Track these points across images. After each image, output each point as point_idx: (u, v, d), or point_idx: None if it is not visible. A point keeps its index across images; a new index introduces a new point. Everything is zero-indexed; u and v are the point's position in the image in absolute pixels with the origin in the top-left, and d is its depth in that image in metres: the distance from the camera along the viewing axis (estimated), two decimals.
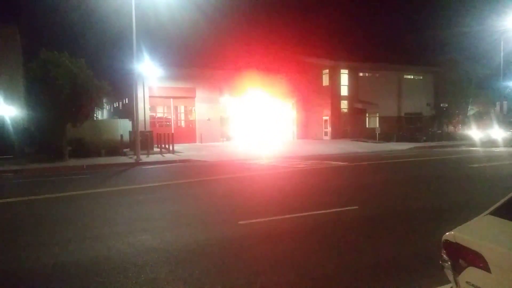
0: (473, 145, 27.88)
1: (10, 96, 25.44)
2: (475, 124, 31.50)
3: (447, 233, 3.30)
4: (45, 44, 19.09)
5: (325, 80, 38.17)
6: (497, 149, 23.91)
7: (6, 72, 26.04)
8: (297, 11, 71.92)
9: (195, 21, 34.85)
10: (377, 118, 38.69)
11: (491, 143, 26.42)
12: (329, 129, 37.75)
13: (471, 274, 3.03)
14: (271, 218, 7.48)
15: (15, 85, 25.88)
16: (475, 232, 3.21)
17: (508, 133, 27.60)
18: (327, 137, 37.54)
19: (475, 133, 29.76)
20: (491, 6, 30.71)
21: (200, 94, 35.56)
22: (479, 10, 31.89)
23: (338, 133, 36.62)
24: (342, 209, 8.16)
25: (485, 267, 2.90)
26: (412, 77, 41.41)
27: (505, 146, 25.65)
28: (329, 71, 37.52)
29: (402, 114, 40.06)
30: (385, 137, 33.02)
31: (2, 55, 26.35)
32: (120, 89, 32.93)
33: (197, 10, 32.10)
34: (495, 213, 3.48)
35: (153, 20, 26.45)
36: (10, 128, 23.08)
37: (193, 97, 35.72)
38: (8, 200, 10.18)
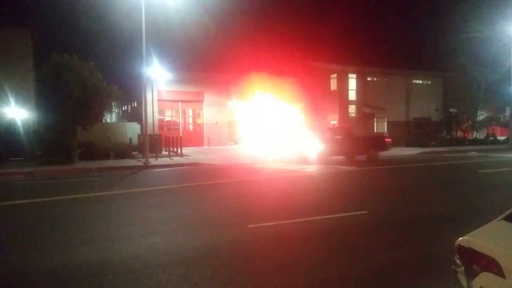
0: (482, 150, 27.67)
1: (21, 99, 25.75)
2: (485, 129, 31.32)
3: (460, 238, 3.31)
4: (55, 47, 19.33)
5: (333, 85, 38.14)
6: (507, 155, 23.69)
7: (18, 74, 26.36)
8: (305, 15, 71.99)
9: (204, 25, 35.05)
10: (385, 122, 38.55)
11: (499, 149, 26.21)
12: None
13: (485, 279, 3.04)
14: (280, 222, 7.49)
15: (26, 88, 26.24)
16: (488, 238, 3.22)
17: None
18: None
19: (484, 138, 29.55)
20: (500, 11, 30.48)
21: (208, 98, 35.73)
22: (488, 15, 31.66)
23: None
24: (351, 213, 8.16)
25: (499, 273, 2.91)
26: (420, 81, 41.21)
27: None
28: (337, 75, 37.49)
29: (411, 119, 39.86)
30: (393, 142, 32.86)
31: (14, 58, 26.73)
32: (129, 92, 33.19)
33: (206, 14, 32.32)
34: (509, 218, 3.48)
35: (162, 24, 26.65)
36: (21, 130, 23.34)
37: (201, 101, 35.91)
38: (21, 201, 10.28)
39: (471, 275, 3.16)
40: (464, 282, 3.24)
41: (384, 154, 22.98)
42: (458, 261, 3.29)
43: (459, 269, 3.28)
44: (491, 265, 2.97)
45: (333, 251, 5.91)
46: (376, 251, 5.86)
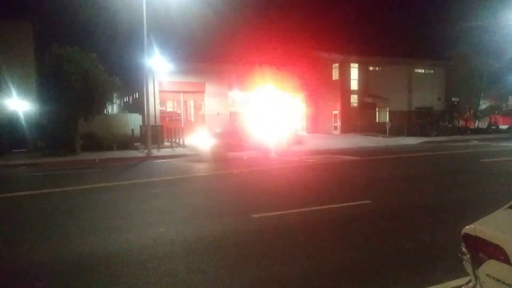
0: (484, 139, 27.65)
1: (23, 91, 25.72)
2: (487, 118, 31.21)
3: (466, 227, 3.33)
4: (57, 39, 19.24)
5: (335, 74, 38.00)
6: (509, 144, 23.67)
7: (19, 66, 26.33)
8: (307, 5, 71.54)
9: (206, 15, 34.83)
10: (387, 112, 38.45)
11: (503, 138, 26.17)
12: (339, 124, 37.62)
13: (491, 267, 3.07)
14: (285, 212, 7.54)
15: (27, 80, 26.21)
16: (495, 226, 3.24)
17: None
18: (337, 132, 37.43)
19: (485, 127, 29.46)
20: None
21: (210, 88, 35.63)
22: (491, 4, 31.42)
23: (348, 128, 36.48)
24: (355, 203, 8.20)
25: (506, 260, 2.94)
26: (422, 71, 41.02)
27: None
28: (339, 65, 37.33)
29: (413, 109, 39.75)
30: (396, 132, 32.82)
31: (15, 50, 26.66)
32: (130, 84, 33.11)
33: (207, 4, 32.09)
34: None
35: (163, 14, 26.49)
36: (23, 122, 23.39)
37: (202, 92, 35.81)
38: (24, 193, 10.36)
39: (477, 263, 3.19)
40: (470, 270, 3.28)
41: (387, 143, 22.94)
42: (464, 249, 3.32)
43: (465, 257, 3.31)
44: (498, 253, 3.00)
45: (338, 239, 5.96)
46: (383, 239, 5.90)
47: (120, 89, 22.70)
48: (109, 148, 22.33)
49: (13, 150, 21.51)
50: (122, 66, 35.82)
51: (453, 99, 39.57)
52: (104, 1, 24.13)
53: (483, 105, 42.69)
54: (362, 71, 37.52)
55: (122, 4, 21.03)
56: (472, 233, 3.23)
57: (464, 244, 3.33)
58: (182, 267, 4.91)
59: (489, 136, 32.05)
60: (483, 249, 3.14)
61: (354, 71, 37.50)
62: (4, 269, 5.12)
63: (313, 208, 7.80)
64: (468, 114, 40.31)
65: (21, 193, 10.28)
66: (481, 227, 3.22)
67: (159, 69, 30.12)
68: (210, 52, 37.76)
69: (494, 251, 3.04)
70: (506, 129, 37.33)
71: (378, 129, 34.70)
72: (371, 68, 38.31)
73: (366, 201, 8.32)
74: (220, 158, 17.09)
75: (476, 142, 26.10)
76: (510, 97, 34.24)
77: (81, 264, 5.12)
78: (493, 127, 37.58)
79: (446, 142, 27.43)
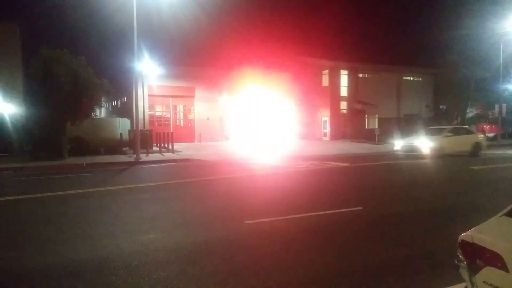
0: None
1: (9, 93, 25.36)
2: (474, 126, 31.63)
3: (463, 234, 3.33)
4: (45, 42, 19.03)
5: (325, 81, 38.27)
6: (497, 152, 23.99)
7: (6, 69, 25.96)
8: (297, 11, 71.96)
9: (195, 20, 34.82)
10: (376, 119, 38.78)
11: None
12: (328, 130, 37.83)
13: (488, 274, 3.06)
14: (276, 218, 7.50)
15: (14, 82, 25.85)
16: (492, 233, 3.25)
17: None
18: (326, 138, 37.62)
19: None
20: (491, 8, 30.79)
21: (200, 93, 35.56)
22: (479, 13, 31.95)
23: (337, 134, 36.70)
24: (347, 209, 8.19)
25: (504, 267, 2.94)
26: (411, 78, 41.55)
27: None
28: (329, 71, 37.61)
29: (401, 116, 40.16)
30: (384, 138, 33.08)
31: (2, 52, 26.30)
32: (119, 87, 32.87)
33: (197, 9, 32.07)
34: (510, 214, 3.51)
35: (153, 18, 26.42)
36: (9, 125, 23.02)
37: (192, 96, 35.72)
38: (11, 198, 10.15)
39: (474, 270, 3.18)
40: (466, 277, 3.27)
41: (376, 150, 23.05)
42: (461, 256, 3.31)
43: (461, 264, 3.31)
44: (495, 260, 3.00)
45: (330, 246, 5.93)
46: (375, 246, 5.89)
47: (109, 92, 22.48)
48: (97, 152, 22.06)
49: None
50: (111, 69, 35.62)
51: (441, 106, 40.08)
52: (95, 4, 23.99)
53: (470, 113, 43.32)
54: (352, 78, 37.85)
55: (112, 7, 20.89)
56: (469, 240, 3.23)
57: (461, 251, 3.33)
58: (174, 274, 4.82)
59: None
60: (480, 256, 3.14)
61: (344, 78, 37.81)
62: None
63: (305, 214, 7.77)
64: (455, 121, 40.83)
65: (4, 198, 10.06)
66: (478, 234, 3.22)
67: (148, 73, 29.99)
68: (200, 57, 37.83)
69: (491, 258, 3.03)
70: (493, 137, 37.86)
71: (367, 136, 34.96)
72: (360, 75, 38.67)
73: (358, 208, 8.32)
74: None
75: None
76: (496, 105, 34.72)
77: (71, 270, 4.99)
78: None
79: None
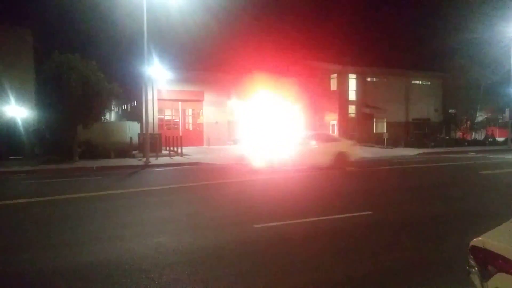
0: (482, 151, 27.75)
1: (22, 97, 25.71)
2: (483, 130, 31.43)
3: (474, 239, 3.31)
4: (57, 47, 19.26)
5: (333, 85, 38.18)
6: (507, 156, 23.76)
7: (18, 73, 26.33)
8: (306, 16, 72.04)
9: (205, 25, 35.05)
10: (385, 123, 38.60)
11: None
12: (336, 134, 37.70)
13: (500, 280, 3.04)
14: (285, 222, 7.50)
15: (26, 86, 26.20)
16: (504, 238, 3.23)
17: None
18: None
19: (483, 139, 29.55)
20: (500, 12, 30.58)
21: (208, 97, 35.72)
22: (488, 17, 31.72)
23: (346, 138, 36.54)
24: (356, 214, 8.17)
25: None
26: (420, 82, 41.29)
27: None
28: (337, 75, 37.53)
29: (410, 120, 39.94)
30: (393, 143, 32.94)
31: (15, 57, 26.71)
32: (129, 91, 33.16)
33: (207, 13, 32.31)
34: None
35: (163, 23, 26.65)
36: (21, 129, 23.34)
37: (201, 100, 35.90)
38: (24, 200, 10.28)
39: (485, 276, 3.16)
40: (478, 282, 3.25)
41: (385, 154, 22.92)
42: (472, 262, 3.30)
43: (472, 270, 3.29)
44: (507, 266, 2.98)
45: (340, 251, 5.93)
46: (385, 251, 5.88)
47: (119, 96, 22.71)
48: (107, 156, 22.26)
49: (10, 157, 21.40)
50: (122, 73, 35.89)
51: (450, 110, 39.79)
52: (106, 10, 24.27)
53: (480, 117, 42.96)
54: (360, 82, 37.73)
55: (123, 12, 21.15)
56: (481, 246, 3.21)
57: (472, 257, 3.31)
58: (185, 277, 4.86)
59: (486, 148, 32.18)
60: (492, 262, 3.12)
61: (352, 82, 37.70)
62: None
63: (315, 218, 7.78)
64: (465, 126, 40.54)
65: (16, 201, 10.19)
66: (490, 240, 3.20)
67: (158, 77, 30.22)
68: (209, 61, 37.92)
69: (503, 264, 3.02)
70: (503, 141, 37.51)
71: (376, 140, 34.81)
72: (369, 79, 38.53)
73: (368, 212, 8.30)
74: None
75: (473, 154, 26.18)
76: (506, 109, 34.38)
77: (82, 273, 5.05)
78: (490, 139, 37.74)
79: (444, 153, 27.51)
